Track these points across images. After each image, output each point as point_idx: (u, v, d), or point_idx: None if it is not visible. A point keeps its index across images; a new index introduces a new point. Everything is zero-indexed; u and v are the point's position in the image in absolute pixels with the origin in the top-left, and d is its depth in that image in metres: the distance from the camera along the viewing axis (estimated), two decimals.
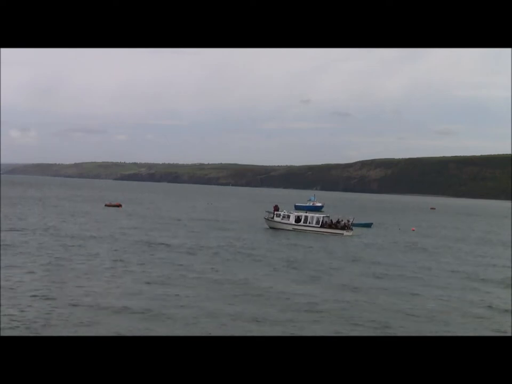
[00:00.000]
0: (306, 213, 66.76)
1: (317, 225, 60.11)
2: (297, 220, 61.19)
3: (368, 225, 73.28)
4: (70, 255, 36.48)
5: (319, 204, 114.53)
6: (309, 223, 60.63)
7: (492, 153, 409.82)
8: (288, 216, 61.94)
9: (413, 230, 74.11)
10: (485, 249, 54.76)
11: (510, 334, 20.79)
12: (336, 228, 60.34)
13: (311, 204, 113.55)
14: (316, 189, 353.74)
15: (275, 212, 63.53)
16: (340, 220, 62.18)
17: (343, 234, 59.04)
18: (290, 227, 60.33)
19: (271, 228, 61.90)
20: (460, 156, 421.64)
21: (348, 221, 61.84)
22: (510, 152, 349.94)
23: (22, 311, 21.79)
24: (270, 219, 63.14)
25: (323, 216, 62.80)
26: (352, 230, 61.08)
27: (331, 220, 62.42)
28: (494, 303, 27.45)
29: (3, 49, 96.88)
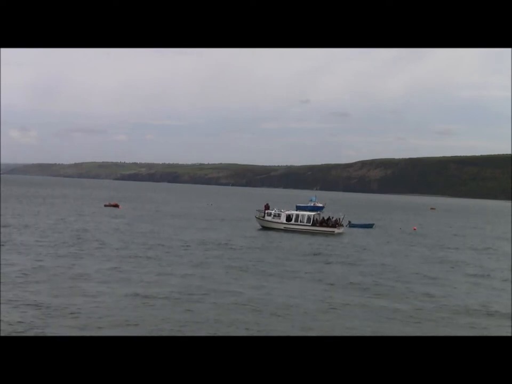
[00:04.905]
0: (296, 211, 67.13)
1: (308, 223, 60.13)
2: (288, 218, 61.09)
3: (369, 226, 72.93)
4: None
5: (320, 205, 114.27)
6: (300, 221, 60.59)
7: (492, 153, 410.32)
8: (279, 215, 61.63)
9: (414, 229, 74.28)
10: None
11: (510, 334, 20.77)
12: (327, 225, 60.41)
13: (312, 205, 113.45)
14: (316, 189, 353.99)
15: (266, 211, 63.41)
16: (330, 217, 62.34)
17: (334, 231, 59.19)
18: (281, 226, 60.29)
19: (263, 227, 61.85)
20: (460, 156, 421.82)
21: (339, 218, 62.05)
22: (510, 152, 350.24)
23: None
24: (261, 218, 63.00)
25: (314, 214, 62.84)
26: (343, 226, 61.64)
27: (322, 217, 62.59)
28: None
29: (3, 49, 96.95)
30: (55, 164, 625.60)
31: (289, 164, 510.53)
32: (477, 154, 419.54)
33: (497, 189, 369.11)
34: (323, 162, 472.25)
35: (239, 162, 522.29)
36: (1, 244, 39.55)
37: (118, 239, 46.71)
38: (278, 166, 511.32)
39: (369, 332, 20.76)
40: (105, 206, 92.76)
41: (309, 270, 35.16)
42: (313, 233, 58.34)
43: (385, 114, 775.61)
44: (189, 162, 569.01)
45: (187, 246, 44.74)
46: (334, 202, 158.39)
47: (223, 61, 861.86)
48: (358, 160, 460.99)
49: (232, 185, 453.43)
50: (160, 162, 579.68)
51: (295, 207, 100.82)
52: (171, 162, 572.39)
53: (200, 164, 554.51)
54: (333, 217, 62.42)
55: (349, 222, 70.17)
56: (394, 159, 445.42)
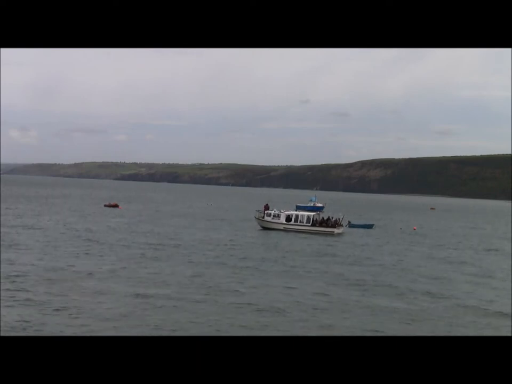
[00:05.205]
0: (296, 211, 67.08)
1: (308, 224, 60.07)
2: (288, 218, 61.01)
3: (369, 226, 72.77)
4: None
5: (320, 205, 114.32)
6: (300, 221, 60.49)
7: (492, 153, 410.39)
8: (279, 215, 61.48)
9: (414, 229, 74.34)
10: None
11: (510, 334, 20.77)
12: (327, 225, 60.36)
13: (312, 205, 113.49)
14: (316, 189, 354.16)
15: (265, 211, 63.40)
16: (330, 217, 62.30)
17: (333, 232, 59.15)
18: (281, 226, 60.22)
19: (262, 227, 61.84)
20: (460, 156, 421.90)
21: (339, 219, 62.01)
22: (510, 152, 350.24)
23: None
24: (260, 218, 62.97)
25: (313, 214, 62.79)
26: (342, 226, 61.60)
27: (322, 218, 62.56)
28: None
29: (3, 49, 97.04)
30: (55, 163, 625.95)
31: (289, 164, 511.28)
32: (477, 154, 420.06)
33: (497, 189, 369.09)
34: (323, 162, 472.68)
35: (239, 162, 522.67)
36: (1, 244, 39.53)
37: (118, 239, 46.72)
38: (278, 166, 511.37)
39: (370, 332, 20.76)
40: (105, 206, 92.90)
41: (308, 270, 35.16)
42: (312, 233, 58.31)
43: (385, 114, 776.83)
44: (189, 162, 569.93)
45: (186, 246, 44.73)
46: (334, 202, 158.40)
47: (223, 61, 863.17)
48: (358, 160, 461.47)
49: (232, 185, 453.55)
50: (160, 162, 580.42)
51: (295, 207, 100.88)
52: (171, 162, 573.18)
53: (200, 164, 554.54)
54: (332, 217, 62.39)
55: (349, 222, 70.08)
56: (394, 159, 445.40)
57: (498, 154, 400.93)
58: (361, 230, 68.36)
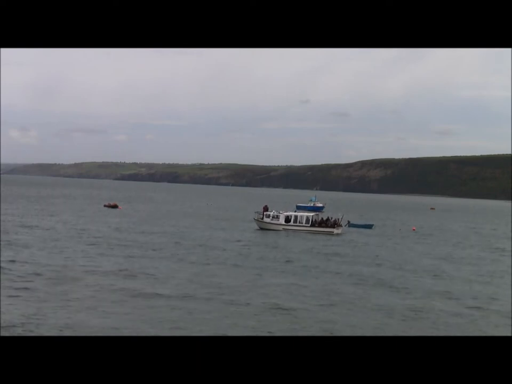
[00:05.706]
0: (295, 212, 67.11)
1: (307, 224, 60.07)
2: (287, 219, 60.99)
3: (369, 226, 72.71)
4: None
5: (320, 205, 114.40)
6: (299, 222, 60.48)
7: (492, 153, 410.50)
8: (278, 216, 61.44)
9: (414, 230, 74.35)
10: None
11: (510, 334, 20.77)
12: (326, 225, 60.36)
13: (312, 205, 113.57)
14: (316, 189, 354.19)
15: (264, 212, 63.36)
16: (330, 218, 62.31)
17: (333, 232, 59.17)
18: (280, 227, 60.23)
19: (261, 228, 61.88)
20: (460, 156, 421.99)
21: (338, 219, 62.01)
22: (510, 152, 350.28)
23: None
24: (259, 220, 62.94)
25: (313, 215, 62.82)
26: (342, 226, 61.63)
27: (321, 218, 62.56)
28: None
29: (3, 49, 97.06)
30: (55, 163, 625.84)
31: (289, 164, 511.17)
32: (477, 154, 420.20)
33: (497, 189, 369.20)
34: (323, 162, 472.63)
35: (239, 162, 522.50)
36: (1, 243, 39.54)
37: (118, 239, 46.74)
38: (278, 166, 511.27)
39: (370, 331, 20.75)
40: (105, 206, 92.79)
41: (308, 269, 35.17)
42: (312, 233, 58.33)
43: (385, 114, 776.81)
44: (189, 162, 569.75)
45: (186, 245, 44.75)
46: (334, 202, 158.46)
47: (223, 61, 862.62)
48: (358, 160, 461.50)
49: (232, 185, 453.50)
50: (160, 162, 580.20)
51: (295, 207, 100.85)
52: (171, 162, 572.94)
53: (200, 164, 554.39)
54: (331, 218, 62.42)
55: (348, 222, 70.05)
56: (394, 159, 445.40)
57: (498, 154, 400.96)
58: (360, 230, 68.36)
